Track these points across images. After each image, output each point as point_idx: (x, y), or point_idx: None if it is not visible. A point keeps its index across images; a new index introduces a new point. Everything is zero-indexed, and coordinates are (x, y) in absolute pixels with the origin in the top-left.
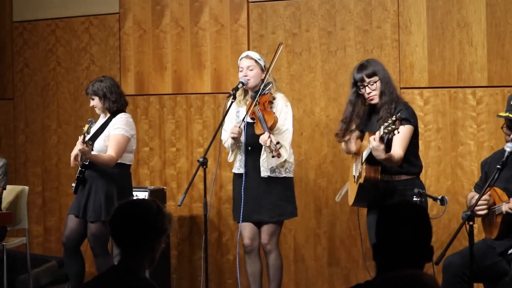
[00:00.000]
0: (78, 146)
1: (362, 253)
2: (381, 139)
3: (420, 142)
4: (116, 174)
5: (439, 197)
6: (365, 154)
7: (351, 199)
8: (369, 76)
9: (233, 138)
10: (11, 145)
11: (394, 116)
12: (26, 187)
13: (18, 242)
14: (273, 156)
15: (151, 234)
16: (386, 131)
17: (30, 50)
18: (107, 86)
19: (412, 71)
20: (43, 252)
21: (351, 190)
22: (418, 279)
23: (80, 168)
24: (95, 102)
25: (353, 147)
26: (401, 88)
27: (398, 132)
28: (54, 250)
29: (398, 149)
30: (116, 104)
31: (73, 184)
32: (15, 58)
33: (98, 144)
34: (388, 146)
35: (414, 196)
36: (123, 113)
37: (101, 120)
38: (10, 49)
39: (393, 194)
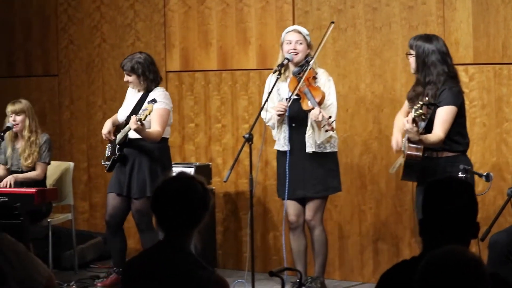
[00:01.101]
0: (132, 125)
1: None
2: (414, 121)
3: None
4: (156, 149)
5: (484, 174)
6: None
7: (401, 174)
8: (409, 47)
9: (279, 115)
10: (56, 121)
11: (422, 101)
12: (72, 164)
13: (64, 218)
14: (326, 130)
15: (195, 209)
16: (416, 114)
17: (75, 27)
18: (146, 65)
19: (457, 47)
20: (88, 228)
21: (402, 164)
22: (462, 255)
23: (117, 146)
24: (132, 78)
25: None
26: None
27: (426, 117)
28: (99, 226)
29: (438, 130)
30: (154, 82)
31: (107, 162)
32: (60, 35)
33: None
34: (431, 125)
35: (460, 173)
36: (159, 87)
37: (134, 94)
38: (55, 26)
39: (436, 170)
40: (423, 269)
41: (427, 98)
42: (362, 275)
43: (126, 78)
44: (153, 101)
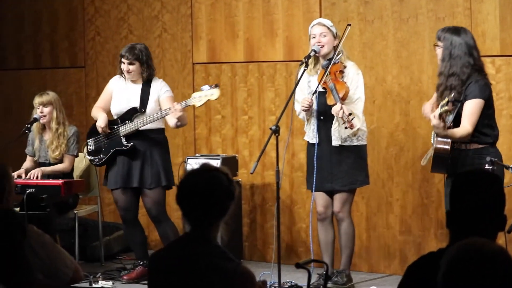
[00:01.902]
0: (178, 113)
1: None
2: (441, 117)
3: None
4: (163, 140)
5: (511, 166)
6: None
7: (430, 166)
8: (437, 38)
9: (304, 110)
10: (83, 113)
11: (447, 97)
12: None
13: (90, 210)
14: (346, 128)
15: (220, 200)
16: (442, 110)
17: (102, 18)
18: (148, 54)
19: (484, 39)
20: (114, 220)
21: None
22: (487, 247)
23: (123, 138)
24: (134, 67)
25: (428, 113)
26: None
27: (452, 113)
28: None
29: (466, 124)
30: (152, 72)
31: (101, 156)
32: (87, 26)
33: (150, 108)
34: (459, 118)
35: (486, 164)
36: (156, 78)
37: (128, 86)
38: (81, 18)
39: (465, 162)
40: (448, 262)
41: (452, 95)
42: (388, 267)
43: (127, 67)
44: (216, 85)
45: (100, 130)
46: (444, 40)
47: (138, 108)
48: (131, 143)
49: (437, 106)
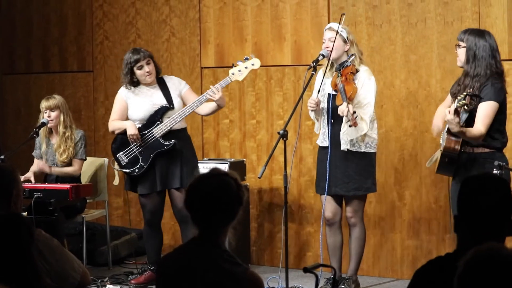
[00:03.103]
0: (218, 94)
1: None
2: (456, 112)
3: None
4: (189, 137)
5: None
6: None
7: (436, 167)
8: (460, 39)
9: (311, 109)
10: (91, 117)
11: (465, 91)
12: (106, 160)
13: (98, 214)
14: (350, 126)
15: (229, 205)
16: (459, 104)
17: (110, 23)
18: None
19: None
20: (122, 224)
21: (438, 158)
22: (503, 252)
23: (160, 140)
24: (152, 66)
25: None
26: None
27: (468, 108)
28: (133, 222)
29: (479, 125)
30: (160, 68)
31: (141, 164)
32: (95, 31)
33: (177, 103)
34: (471, 120)
35: (494, 169)
36: (166, 75)
37: (147, 90)
38: (90, 22)
39: (472, 165)
40: (466, 263)
41: (471, 90)
42: (396, 272)
43: (147, 68)
44: (251, 56)
45: (133, 138)
46: (467, 41)
47: (167, 105)
48: (172, 141)
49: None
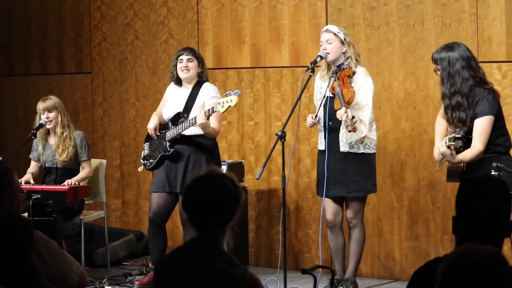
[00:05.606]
0: (201, 120)
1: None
2: (449, 147)
3: None
4: (211, 145)
5: None
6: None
7: (446, 176)
8: (434, 62)
9: (310, 126)
10: (89, 119)
11: (453, 133)
12: (104, 161)
13: (96, 216)
14: (349, 131)
15: (227, 206)
16: (449, 144)
17: (108, 24)
18: (203, 59)
19: (490, 45)
20: (120, 226)
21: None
22: (481, 251)
23: (168, 143)
24: (193, 64)
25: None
26: (479, 62)
27: (459, 148)
28: (131, 223)
29: (477, 143)
30: (206, 75)
31: (151, 161)
32: (93, 32)
33: (195, 113)
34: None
35: (492, 170)
36: (207, 82)
37: (178, 91)
38: (88, 23)
39: (479, 170)
40: (442, 273)
41: (454, 134)
42: (394, 273)
43: (185, 63)
44: (236, 92)
45: (149, 131)
46: (441, 61)
47: (181, 113)
48: (173, 149)
49: (447, 120)
